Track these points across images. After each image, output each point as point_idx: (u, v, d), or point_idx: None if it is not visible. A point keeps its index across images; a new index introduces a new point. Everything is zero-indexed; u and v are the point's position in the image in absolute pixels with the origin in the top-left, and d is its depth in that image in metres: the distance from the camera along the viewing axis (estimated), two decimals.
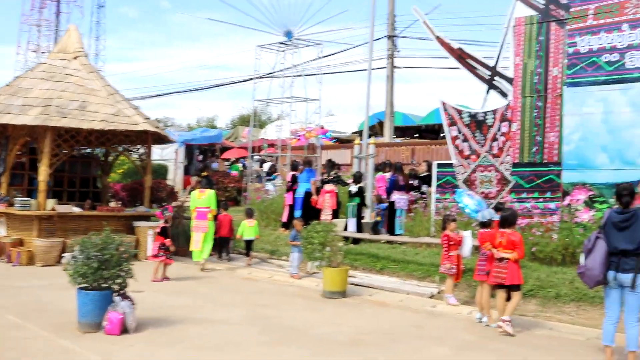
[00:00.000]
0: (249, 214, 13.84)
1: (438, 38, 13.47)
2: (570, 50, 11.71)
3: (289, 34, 21.85)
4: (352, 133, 30.36)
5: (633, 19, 11.10)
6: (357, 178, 14.35)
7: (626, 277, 6.86)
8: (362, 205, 14.23)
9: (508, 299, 8.47)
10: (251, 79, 24.22)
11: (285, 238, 14.01)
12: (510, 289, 8.43)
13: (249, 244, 13.66)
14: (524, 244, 8.57)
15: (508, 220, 8.58)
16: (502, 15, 12.86)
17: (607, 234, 7.01)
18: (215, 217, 13.26)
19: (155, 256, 11.72)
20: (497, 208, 9.91)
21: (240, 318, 8.99)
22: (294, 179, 15.52)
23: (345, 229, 13.87)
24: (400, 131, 29.83)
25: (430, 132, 29.53)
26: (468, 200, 9.76)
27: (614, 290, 7.06)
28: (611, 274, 6.95)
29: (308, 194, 15.20)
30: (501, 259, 8.41)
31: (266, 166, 24.53)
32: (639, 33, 11.02)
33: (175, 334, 7.94)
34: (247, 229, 13.53)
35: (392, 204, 14.04)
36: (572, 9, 11.77)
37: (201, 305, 9.76)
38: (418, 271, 11.74)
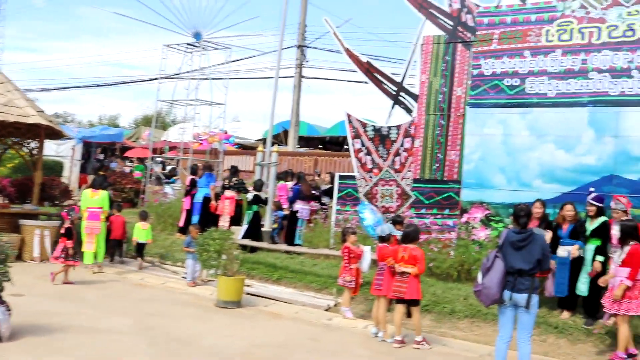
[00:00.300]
0: (143, 217, 13.26)
1: (347, 50, 13.36)
2: (475, 71, 11.85)
3: (197, 36, 21.28)
4: (257, 140, 29.98)
5: (534, 46, 11.34)
6: (258, 186, 14.00)
7: (521, 297, 6.88)
8: (259, 213, 13.89)
9: (408, 314, 8.45)
10: (156, 78, 23.44)
11: (181, 243, 13.47)
12: (410, 304, 8.38)
13: (141, 247, 13.07)
14: (424, 260, 8.58)
15: (410, 235, 8.56)
16: (412, 33, 12.91)
17: (505, 253, 7.00)
18: (107, 218, 12.60)
19: (56, 258, 11.08)
20: (395, 221, 9.83)
21: (127, 327, 8.46)
22: (193, 183, 15.00)
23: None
24: (304, 141, 29.73)
25: (334, 144, 29.60)
26: (368, 215, 9.61)
27: (508, 310, 7.06)
28: (507, 293, 6.94)
29: (207, 199, 14.72)
30: (402, 274, 8.34)
31: (166, 169, 23.76)
32: (540, 60, 11.26)
33: (54, 343, 7.35)
34: (140, 232, 12.95)
35: (293, 213, 13.76)
36: (478, 32, 11.91)
37: (86, 312, 9.14)
38: (315, 283, 11.52)
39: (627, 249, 7.87)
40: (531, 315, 6.95)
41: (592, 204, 9.14)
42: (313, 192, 14.35)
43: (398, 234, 9.24)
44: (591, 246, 9.08)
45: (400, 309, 8.47)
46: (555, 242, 9.35)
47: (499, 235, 7.53)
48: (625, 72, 10.57)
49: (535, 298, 6.92)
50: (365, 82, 13.41)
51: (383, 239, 8.94)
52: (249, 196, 13.89)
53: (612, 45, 10.74)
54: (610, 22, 10.79)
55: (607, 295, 8.00)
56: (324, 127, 32.88)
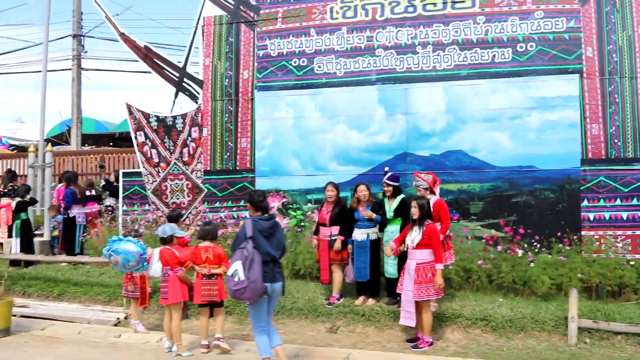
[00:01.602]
0: None
1: (122, 35, 11.86)
2: (261, 53, 10.97)
3: None
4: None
5: (320, 24, 10.70)
6: (21, 192, 12.02)
7: (279, 286, 6.47)
8: (29, 222, 11.97)
9: (212, 315, 7.66)
10: None
11: None
12: (216, 305, 7.59)
13: None
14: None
15: (210, 232, 7.67)
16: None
17: (259, 243, 6.29)
18: None
19: None
20: (172, 217, 8.63)
21: None
22: None
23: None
24: (93, 139, 27.42)
25: (126, 140, 27.51)
26: (131, 246, 8.16)
27: (266, 300, 6.44)
28: (268, 285, 6.31)
29: None
30: (210, 276, 7.49)
31: None
32: (326, 39, 10.62)
33: None
34: None
35: (71, 219, 11.95)
36: (261, 11, 11.03)
37: None
38: (103, 294, 10.08)
39: (421, 229, 7.39)
40: (277, 299, 6.69)
41: (388, 184, 8.62)
42: (89, 193, 12.60)
43: (182, 233, 8.08)
44: (393, 227, 8.57)
45: (207, 312, 7.62)
46: (352, 224, 8.79)
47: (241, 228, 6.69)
48: (410, 49, 10.26)
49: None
50: (149, 72, 11.99)
51: (165, 240, 7.71)
52: (13, 204, 11.90)
53: (395, 22, 10.39)
54: None
55: (412, 282, 7.44)
56: (113, 123, 30.66)
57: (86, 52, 21.31)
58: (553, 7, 9.77)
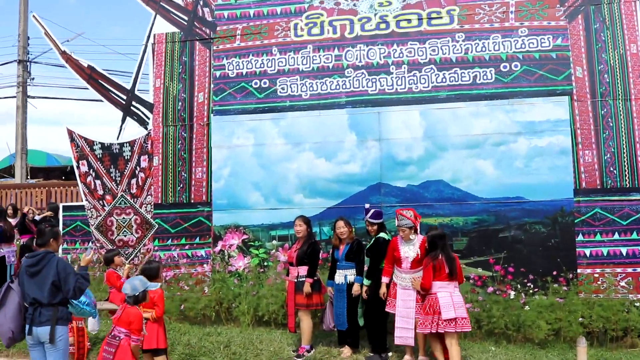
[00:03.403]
0: None
1: (64, 54, 10.41)
2: (218, 73, 9.64)
3: None
4: None
5: (283, 42, 9.45)
6: None
7: (43, 331, 5.33)
8: None
9: None
10: None
11: None
12: (153, 354, 6.22)
13: None
14: (164, 300, 6.39)
15: (145, 272, 6.34)
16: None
17: (21, 282, 5.46)
18: None
19: None
20: (148, 273, 7.00)
21: None
22: None
23: None
24: (44, 173, 25.60)
25: None
26: None
27: (36, 349, 5.44)
28: (28, 328, 5.37)
29: None
30: None
31: None
32: (290, 58, 9.38)
33: None
34: None
35: (1, 259, 10.27)
36: (218, 28, 9.73)
37: None
38: None
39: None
40: (59, 351, 5.43)
41: (372, 223, 7.29)
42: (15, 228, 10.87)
43: (155, 286, 6.34)
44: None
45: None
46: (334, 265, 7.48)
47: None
48: (383, 69, 9.06)
49: (61, 330, 5.40)
50: (100, 100, 10.53)
51: (138, 299, 5.81)
52: None
53: (366, 39, 9.21)
54: (362, 14, 9.26)
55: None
56: (67, 157, 28.88)
57: (33, 78, 19.62)
58: (538, 23, 8.71)
